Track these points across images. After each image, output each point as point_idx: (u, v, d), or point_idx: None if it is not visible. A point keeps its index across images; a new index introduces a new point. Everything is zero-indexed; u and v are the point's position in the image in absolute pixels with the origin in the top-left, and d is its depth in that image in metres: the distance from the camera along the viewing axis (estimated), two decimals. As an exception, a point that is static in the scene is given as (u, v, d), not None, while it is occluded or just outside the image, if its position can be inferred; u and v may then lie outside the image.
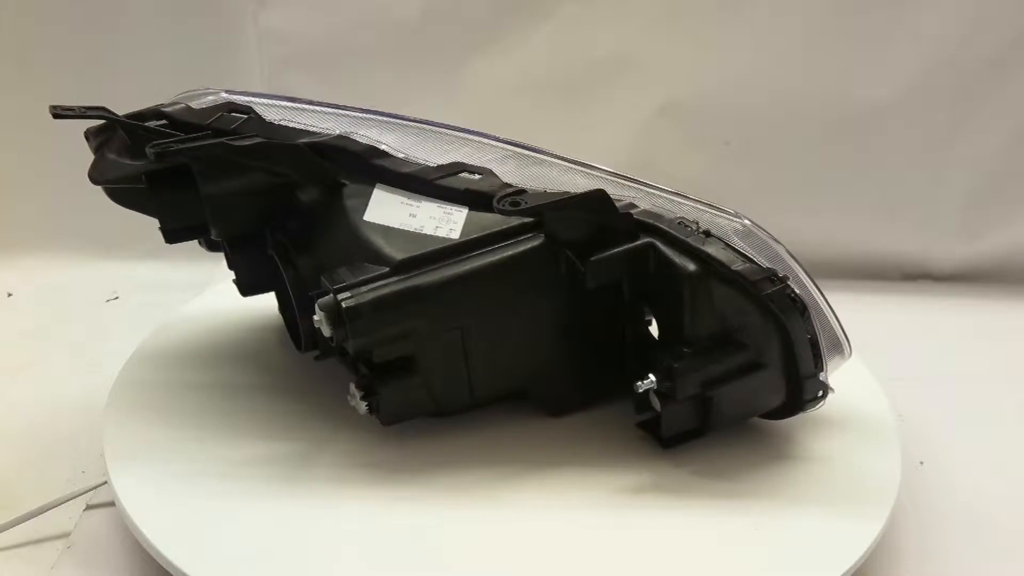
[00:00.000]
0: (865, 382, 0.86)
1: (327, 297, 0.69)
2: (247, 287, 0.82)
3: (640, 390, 0.72)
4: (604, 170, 0.77)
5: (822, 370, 0.73)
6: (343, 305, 0.68)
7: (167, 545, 0.67)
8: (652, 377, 0.71)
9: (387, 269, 0.70)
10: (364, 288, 0.69)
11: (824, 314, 0.74)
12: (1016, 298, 1.18)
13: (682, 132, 1.19)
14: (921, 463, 0.86)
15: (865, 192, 1.20)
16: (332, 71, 1.18)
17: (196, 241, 0.81)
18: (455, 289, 0.71)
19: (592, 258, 0.71)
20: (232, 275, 0.82)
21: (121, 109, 0.75)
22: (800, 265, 0.74)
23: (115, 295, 1.16)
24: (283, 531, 0.69)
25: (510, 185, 0.75)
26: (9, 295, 1.16)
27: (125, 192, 0.79)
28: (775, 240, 0.74)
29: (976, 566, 0.77)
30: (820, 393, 0.74)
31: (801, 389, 0.74)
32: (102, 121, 0.75)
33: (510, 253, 0.72)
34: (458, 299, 0.71)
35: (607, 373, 0.77)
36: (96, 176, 0.76)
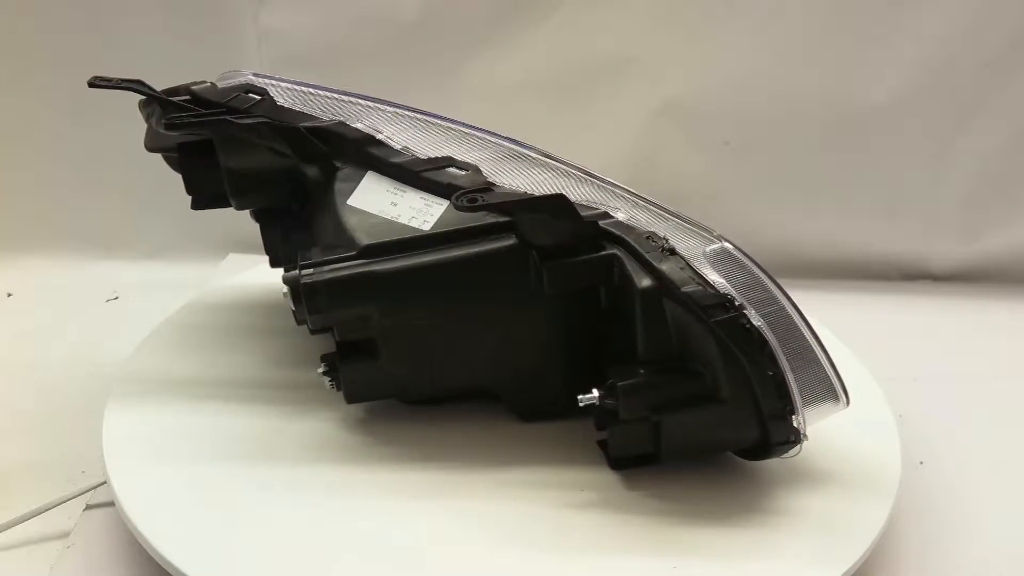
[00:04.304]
0: (865, 382, 0.86)
1: (292, 272, 0.71)
2: (273, 259, 0.85)
3: (581, 404, 0.70)
4: (598, 176, 0.77)
5: (793, 413, 0.68)
6: (302, 281, 0.70)
7: (166, 545, 0.67)
8: (595, 392, 0.70)
9: (354, 252, 0.72)
10: (326, 268, 0.71)
11: (815, 356, 0.70)
12: (1016, 298, 1.18)
13: (682, 132, 1.19)
14: (921, 463, 0.86)
15: (865, 192, 1.20)
16: (332, 71, 1.18)
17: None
18: (412, 279, 0.72)
19: (550, 263, 0.70)
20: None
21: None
22: (791, 301, 0.70)
23: (115, 295, 1.16)
24: (283, 530, 0.69)
25: (492, 182, 0.75)
26: (9, 295, 1.16)
27: (175, 159, 0.85)
28: (761, 269, 0.71)
29: (976, 566, 0.77)
30: (791, 438, 0.70)
31: (767, 431, 0.69)
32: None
33: (474, 250, 0.72)
34: (415, 289, 0.72)
35: (582, 384, 0.72)
36: (146, 144, 0.84)
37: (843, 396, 0.71)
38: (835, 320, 0.93)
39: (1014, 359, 1.06)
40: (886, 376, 0.88)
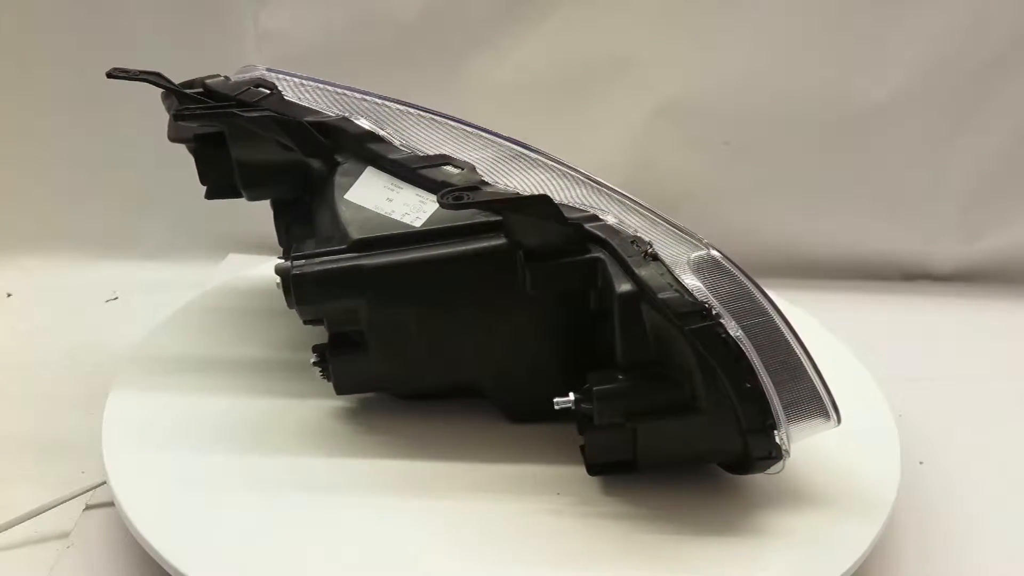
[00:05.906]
0: (864, 382, 0.86)
1: (284, 263, 0.72)
2: (284, 250, 0.86)
3: (557, 407, 0.69)
4: (595, 179, 0.76)
5: (775, 428, 0.67)
6: (292, 272, 0.71)
7: (166, 545, 0.67)
8: (572, 396, 0.69)
9: (344, 246, 0.73)
10: (316, 260, 0.72)
11: (803, 370, 0.68)
12: (1016, 298, 1.18)
13: (682, 132, 1.19)
14: (921, 463, 0.86)
15: (865, 192, 1.20)
16: (332, 71, 1.17)
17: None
18: (400, 274, 0.72)
19: (532, 263, 0.70)
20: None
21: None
22: (780, 313, 0.68)
23: (115, 295, 1.16)
24: (282, 531, 0.69)
25: (484, 181, 0.75)
26: (9, 295, 1.16)
27: None
28: (750, 279, 0.69)
29: (976, 566, 0.77)
30: (772, 453, 0.68)
31: (747, 444, 0.68)
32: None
33: (462, 248, 0.72)
34: (402, 285, 0.72)
35: (571, 387, 0.70)
36: (169, 134, 0.86)
37: (833, 414, 0.69)
38: (835, 320, 0.93)
39: (1014, 359, 1.06)
40: (885, 376, 0.88)
